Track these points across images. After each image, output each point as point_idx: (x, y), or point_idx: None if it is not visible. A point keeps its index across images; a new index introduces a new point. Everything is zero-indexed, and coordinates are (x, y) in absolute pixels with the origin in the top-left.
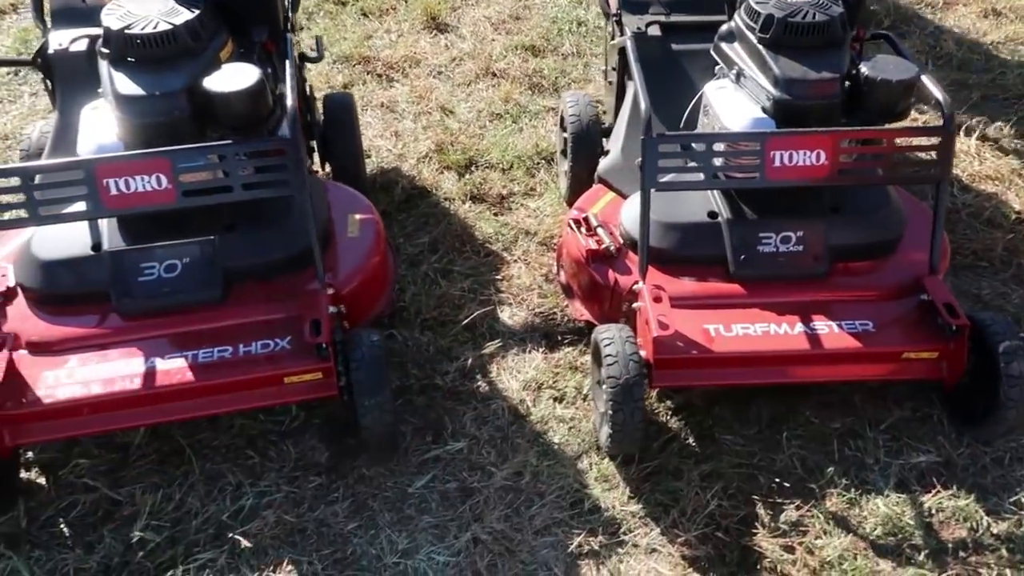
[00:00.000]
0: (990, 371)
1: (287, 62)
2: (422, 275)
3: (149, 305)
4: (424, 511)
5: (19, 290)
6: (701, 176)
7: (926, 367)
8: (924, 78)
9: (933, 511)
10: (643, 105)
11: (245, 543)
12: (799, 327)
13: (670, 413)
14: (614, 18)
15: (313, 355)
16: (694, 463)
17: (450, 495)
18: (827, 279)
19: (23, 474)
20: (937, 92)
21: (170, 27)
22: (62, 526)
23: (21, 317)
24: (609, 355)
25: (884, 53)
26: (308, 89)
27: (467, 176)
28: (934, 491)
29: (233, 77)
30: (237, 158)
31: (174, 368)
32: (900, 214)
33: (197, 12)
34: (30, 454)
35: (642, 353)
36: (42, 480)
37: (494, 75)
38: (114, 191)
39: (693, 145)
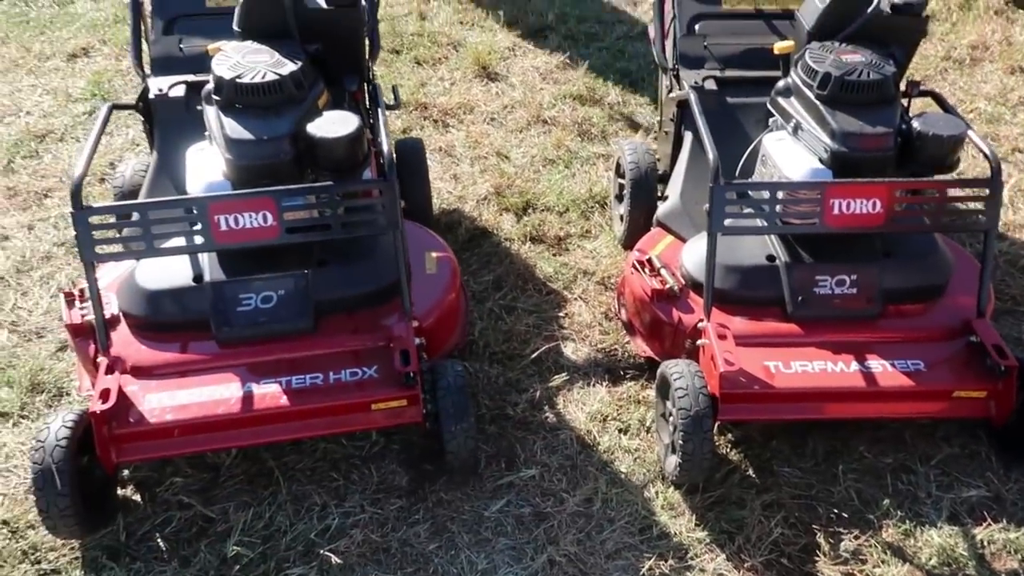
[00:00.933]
0: None
1: (379, 109)
2: (488, 311)
3: (246, 333)
4: (500, 533)
5: (122, 317)
6: (764, 222)
7: (975, 406)
8: (971, 133)
9: (985, 543)
10: (710, 155)
11: (335, 559)
12: (854, 365)
13: (730, 446)
14: (672, 72)
15: (399, 383)
16: (755, 493)
17: (525, 519)
18: (880, 320)
19: (120, 491)
20: (984, 147)
21: (277, 77)
22: (159, 540)
23: (124, 343)
24: (680, 388)
25: (932, 110)
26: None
27: (525, 218)
28: (985, 524)
29: (335, 124)
30: (337, 198)
31: (269, 393)
32: (947, 260)
33: (300, 64)
34: (126, 472)
35: (708, 387)
36: (137, 497)
37: (545, 122)
38: (224, 227)
39: (755, 193)
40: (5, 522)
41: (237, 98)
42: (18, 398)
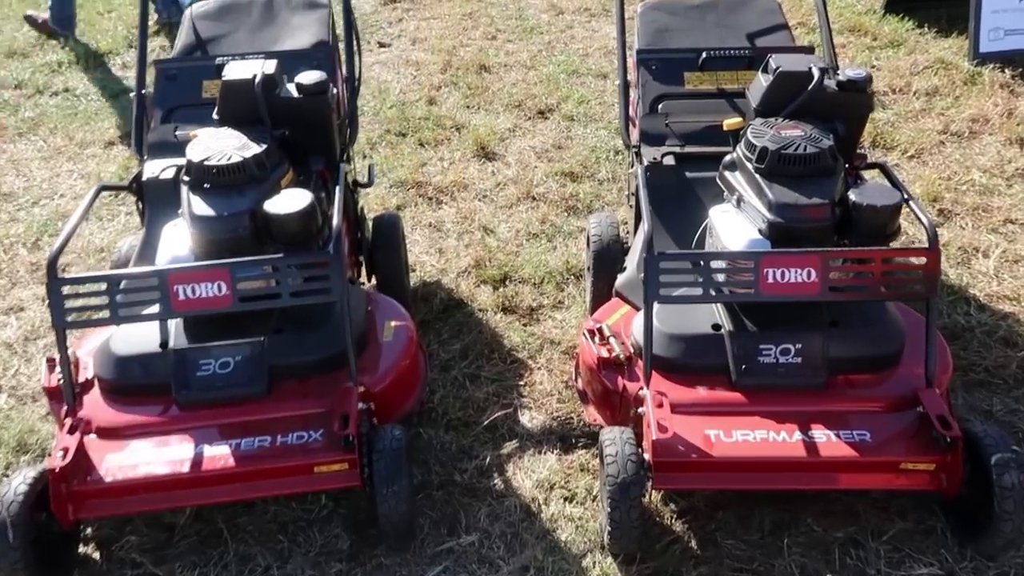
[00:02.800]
0: (985, 483)
1: (338, 188)
2: (452, 379)
3: (204, 397)
4: None
5: (96, 381)
6: (700, 291)
7: (925, 478)
8: (912, 204)
9: None
10: (645, 226)
11: None
12: (797, 435)
13: (674, 516)
14: (634, 149)
15: (341, 447)
16: (693, 565)
17: None
18: (826, 390)
19: (81, 548)
20: (922, 216)
21: (240, 159)
22: None
23: (94, 405)
24: (609, 455)
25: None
26: (360, 210)
27: (501, 289)
28: None
29: (288, 201)
30: (287, 269)
31: (219, 455)
32: (898, 329)
33: (264, 147)
34: (89, 530)
35: (645, 456)
36: (97, 555)
37: (534, 198)
38: (182, 296)
39: (687, 263)
40: None
41: (204, 178)
42: (4, 457)
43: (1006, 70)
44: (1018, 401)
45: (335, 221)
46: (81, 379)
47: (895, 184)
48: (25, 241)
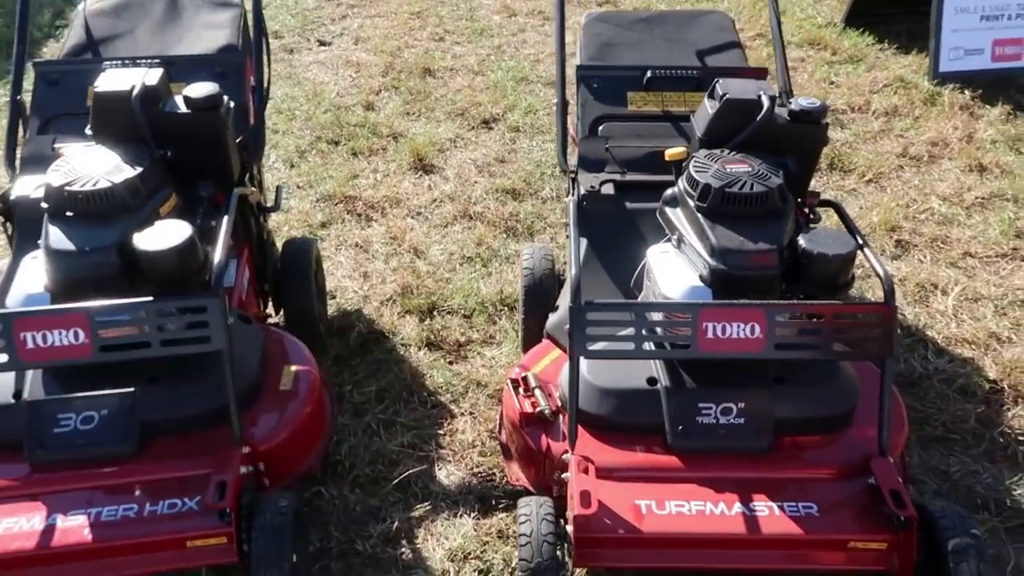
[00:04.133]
0: (940, 568)
1: (226, 218)
2: (364, 425)
3: (61, 457)
4: None
5: None
6: (632, 345)
7: (876, 558)
8: (867, 251)
9: None
10: (572, 271)
11: None
12: (737, 507)
13: None
14: (571, 175)
15: (218, 519)
16: None
17: None
18: (770, 454)
19: None
20: (878, 267)
21: (109, 185)
22: None
23: None
24: (523, 534)
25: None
26: (267, 236)
27: (427, 321)
28: None
29: (161, 235)
30: (157, 315)
31: (73, 526)
32: (852, 387)
33: (140, 170)
34: None
35: (569, 529)
36: None
37: (471, 217)
38: (31, 344)
39: (620, 315)
40: None
41: (66, 206)
42: None
43: (966, 91)
44: (976, 460)
45: (218, 257)
46: None
47: (849, 228)
48: None
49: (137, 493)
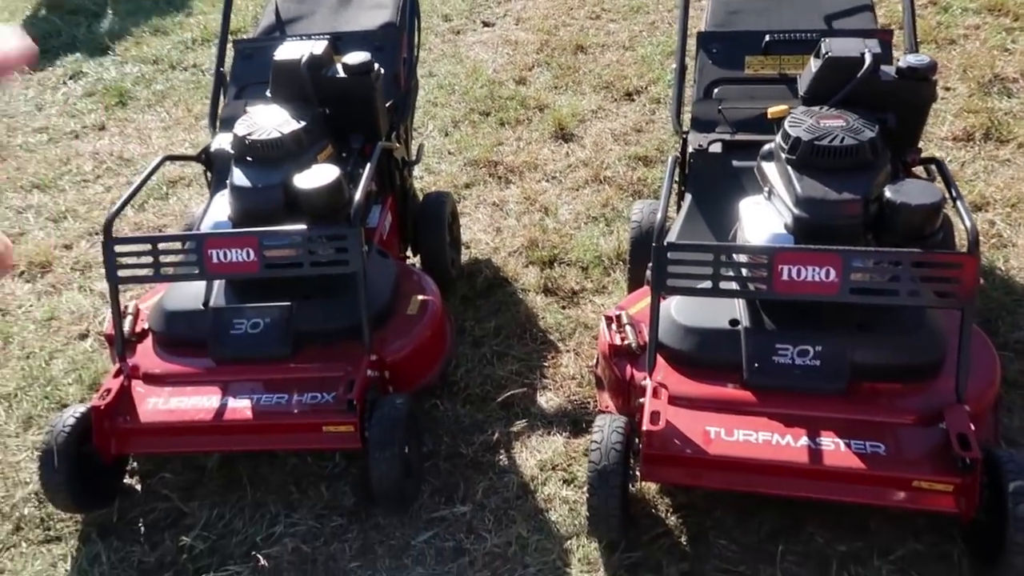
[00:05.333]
0: (1002, 511)
1: (368, 165)
2: (480, 355)
3: (234, 354)
4: (419, 563)
5: (150, 333)
6: (709, 284)
7: (942, 500)
8: (958, 204)
9: None
10: (659, 215)
11: (264, 563)
12: (804, 440)
13: (670, 510)
14: (683, 135)
15: (346, 410)
16: (677, 560)
17: (445, 552)
18: (845, 397)
19: (126, 480)
20: (966, 218)
21: (279, 135)
22: (140, 526)
23: (145, 354)
24: (594, 441)
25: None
26: (409, 188)
27: (547, 271)
28: None
29: (315, 176)
30: (309, 240)
31: (239, 407)
32: (939, 339)
33: (304, 124)
34: (135, 464)
35: (639, 445)
36: (137, 487)
37: (601, 181)
38: (215, 260)
39: (700, 255)
40: (36, 492)
41: (247, 152)
42: (80, 393)
43: None
44: None
45: (358, 197)
46: (139, 329)
47: (947, 182)
48: (133, 203)
49: (288, 386)
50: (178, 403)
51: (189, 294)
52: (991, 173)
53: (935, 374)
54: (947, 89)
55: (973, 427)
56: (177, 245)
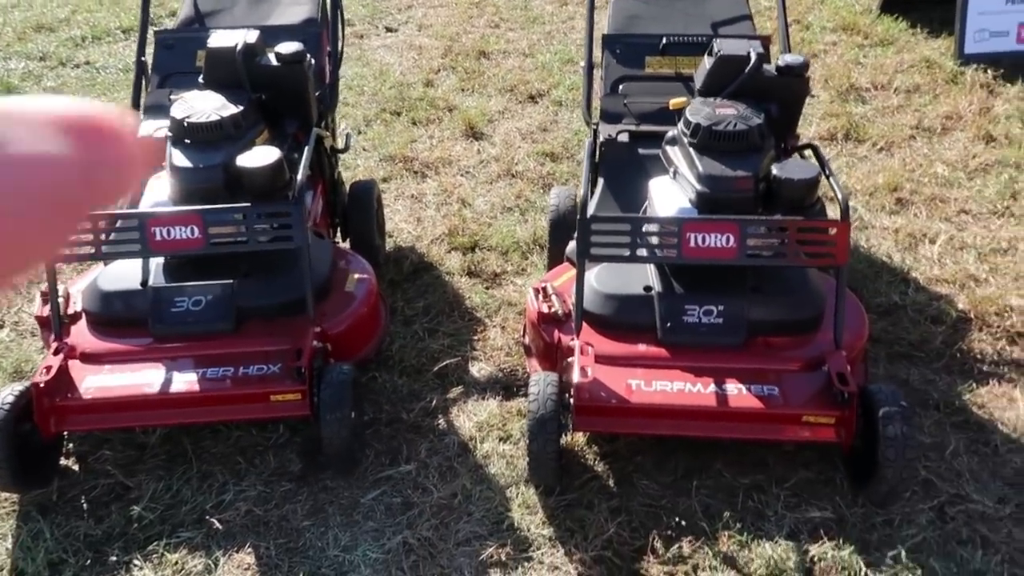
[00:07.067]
0: (873, 434)
1: (306, 148)
2: (412, 332)
3: (175, 331)
4: (369, 518)
5: (83, 314)
6: (627, 252)
7: (825, 431)
8: (831, 180)
9: (816, 559)
10: (581, 191)
11: (218, 526)
12: (711, 388)
13: (597, 458)
14: (593, 126)
15: (294, 378)
16: (607, 498)
17: (393, 507)
18: (744, 350)
19: (62, 460)
20: (838, 190)
21: (218, 118)
22: (82, 502)
23: (80, 334)
24: (532, 394)
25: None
26: (337, 175)
27: (469, 256)
28: (820, 542)
29: (258, 156)
30: (253, 217)
31: (184, 380)
32: (819, 296)
33: (241, 108)
34: (70, 445)
35: (570, 400)
36: (75, 467)
37: (513, 175)
38: (159, 237)
39: (617, 225)
40: None
41: (185, 134)
42: (2, 380)
43: (988, 71)
44: (935, 372)
45: (299, 177)
46: (71, 311)
47: (821, 162)
48: None
49: (233, 360)
50: (120, 379)
51: (123, 274)
52: (852, 168)
53: (816, 327)
54: (812, 96)
55: (849, 368)
56: (119, 224)
